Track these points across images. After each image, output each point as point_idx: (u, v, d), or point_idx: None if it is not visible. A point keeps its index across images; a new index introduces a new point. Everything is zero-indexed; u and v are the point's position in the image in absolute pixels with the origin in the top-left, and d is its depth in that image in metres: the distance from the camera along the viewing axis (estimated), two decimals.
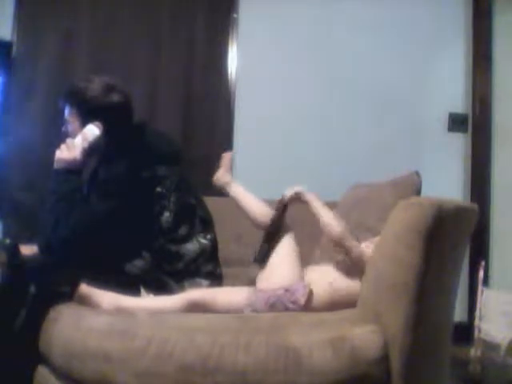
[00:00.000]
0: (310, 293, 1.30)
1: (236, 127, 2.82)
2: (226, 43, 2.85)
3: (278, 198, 2.29)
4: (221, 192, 1.69)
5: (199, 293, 1.38)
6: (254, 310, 1.30)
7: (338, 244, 1.37)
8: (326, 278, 1.38)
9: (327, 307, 1.29)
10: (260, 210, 1.59)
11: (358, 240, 1.39)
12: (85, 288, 1.33)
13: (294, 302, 1.27)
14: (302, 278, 1.39)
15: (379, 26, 2.96)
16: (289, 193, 1.51)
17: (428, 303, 1.07)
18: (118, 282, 1.41)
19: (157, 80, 2.75)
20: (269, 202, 2.15)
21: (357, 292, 1.25)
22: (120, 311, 1.29)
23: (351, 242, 1.35)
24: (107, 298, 1.33)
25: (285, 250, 1.46)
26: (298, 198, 1.51)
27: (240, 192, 1.64)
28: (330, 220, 1.40)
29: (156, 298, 1.41)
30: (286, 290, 1.29)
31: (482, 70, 3.01)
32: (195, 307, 1.32)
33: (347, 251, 1.35)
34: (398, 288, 1.05)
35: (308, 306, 1.28)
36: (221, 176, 1.67)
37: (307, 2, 2.91)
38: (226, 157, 1.72)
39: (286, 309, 1.27)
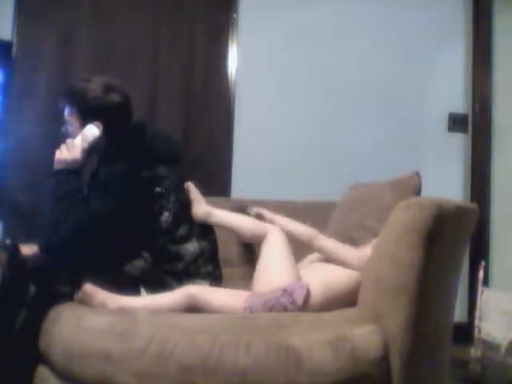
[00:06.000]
0: (308, 293, 1.30)
1: (236, 127, 2.82)
2: (226, 43, 2.85)
3: (277, 197, 2.31)
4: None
5: (198, 288, 1.39)
6: (253, 313, 1.30)
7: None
8: (323, 277, 1.39)
9: (325, 306, 1.29)
10: (245, 225, 1.58)
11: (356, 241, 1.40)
12: (90, 287, 1.33)
13: (292, 303, 1.27)
14: (298, 276, 1.39)
15: (379, 26, 2.97)
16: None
17: (428, 303, 1.07)
18: (118, 282, 1.41)
19: (157, 80, 2.75)
20: (268, 202, 2.15)
21: (355, 290, 1.25)
22: (121, 311, 1.29)
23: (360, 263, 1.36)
24: (112, 298, 1.33)
25: (278, 249, 1.45)
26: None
27: (221, 218, 1.63)
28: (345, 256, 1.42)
29: (156, 295, 1.41)
30: (284, 291, 1.29)
31: (482, 70, 3.01)
32: (194, 301, 1.32)
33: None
34: (398, 288, 1.05)
35: (306, 305, 1.28)
36: (197, 210, 1.63)
37: (307, 2, 2.91)
38: (189, 189, 1.66)
39: (285, 310, 1.27)
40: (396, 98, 2.96)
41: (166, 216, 1.56)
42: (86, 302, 1.32)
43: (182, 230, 1.59)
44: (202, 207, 1.63)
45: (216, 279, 1.61)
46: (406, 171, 1.72)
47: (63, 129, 1.66)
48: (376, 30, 2.96)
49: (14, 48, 2.62)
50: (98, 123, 1.58)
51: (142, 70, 2.74)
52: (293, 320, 1.17)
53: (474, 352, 2.22)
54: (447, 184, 2.93)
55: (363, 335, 1.05)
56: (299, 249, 1.57)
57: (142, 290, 1.48)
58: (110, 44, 2.72)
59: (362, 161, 2.86)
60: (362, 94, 2.93)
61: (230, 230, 1.63)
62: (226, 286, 1.57)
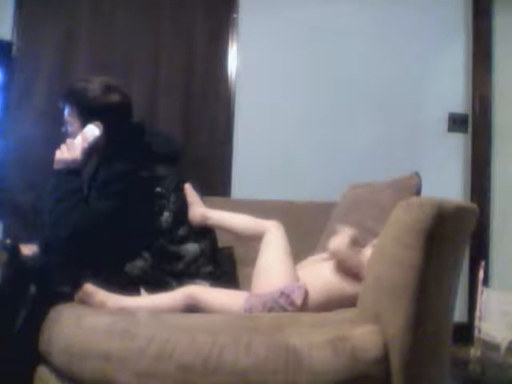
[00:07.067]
0: (306, 293, 1.30)
1: (236, 127, 2.82)
2: (226, 43, 2.85)
3: (277, 197, 2.31)
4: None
5: (198, 289, 1.38)
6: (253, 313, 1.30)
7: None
8: (321, 277, 1.38)
9: (324, 306, 1.29)
10: (243, 225, 1.57)
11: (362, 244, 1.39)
12: (90, 287, 1.33)
13: (290, 304, 1.27)
14: (296, 276, 1.39)
15: (379, 25, 2.97)
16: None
17: (428, 303, 1.07)
18: (119, 282, 1.41)
19: (157, 80, 2.76)
20: (268, 202, 2.15)
21: (354, 291, 1.25)
22: (121, 311, 1.29)
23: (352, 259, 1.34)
24: (112, 298, 1.33)
25: (276, 250, 1.45)
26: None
27: (219, 219, 1.61)
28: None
29: (156, 295, 1.41)
30: (282, 292, 1.29)
31: (482, 70, 3.01)
32: (193, 301, 1.31)
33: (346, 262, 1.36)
34: (398, 288, 1.05)
35: (305, 306, 1.28)
36: (194, 214, 1.60)
37: (307, 2, 2.91)
38: (187, 190, 1.63)
39: (284, 311, 1.27)
40: (396, 97, 2.96)
41: (166, 216, 1.56)
42: (86, 302, 1.32)
43: (182, 230, 1.59)
44: (199, 210, 1.61)
45: (217, 279, 1.61)
46: (406, 171, 1.72)
47: (63, 129, 1.66)
48: (376, 29, 2.96)
49: (14, 48, 2.62)
50: (98, 123, 1.58)
51: (141, 69, 2.75)
52: (293, 320, 1.17)
53: (474, 352, 2.22)
54: (447, 184, 2.93)
55: (363, 335, 1.05)
56: (300, 248, 1.57)
57: (142, 290, 1.48)
58: (110, 44, 2.72)
59: (361, 161, 2.86)
60: (361, 94, 2.93)
61: (229, 231, 1.62)
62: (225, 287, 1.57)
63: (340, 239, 1.37)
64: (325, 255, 1.57)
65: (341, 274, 1.37)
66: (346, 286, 1.33)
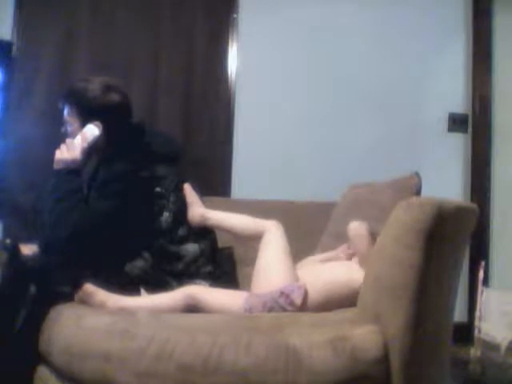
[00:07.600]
0: (306, 293, 1.30)
1: (236, 127, 2.82)
2: (226, 43, 2.85)
3: (277, 197, 2.31)
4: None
5: (198, 289, 1.38)
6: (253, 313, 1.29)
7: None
8: (321, 277, 1.38)
9: (323, 306, 1.29)
10: (243, 225, 1.57)
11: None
12: (90, 287, 1.33)
13: (290, 304, 1.27)
14: (296, 276, 1.39)
15: (379, 25, 2.97)
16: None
17: (428, 303, 1.07)
18: (119, 282, 1.41)
19: (157, 80, 2.76)
20: (268, 202, 2.15)
21: (354, 290, 1.25)
22: (121, 311, 1.29)
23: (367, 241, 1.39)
24: (112, 298, 1.33)
25: (275, 249, 1.45)
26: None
27: (219, 220, 1.60)
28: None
29: (156, 295, 1.41)
30: (282, 292, 1.29)
31: (482, 70, 3.01)
32: (193, 301, 1.31)
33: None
34: (398, 288, 1.05)
35: (305, 306, 1.28)
36: (193, 214, 1.59)
37: (307, 2, 2.91)
38: (186, 191, 1.62)
39: (284, 311, 1.27)
40: (396, 97, 2.96)
41: (166, 216, 1.56)
42: (86, 302, 1.32)
43: (182, 231, 1.59)
44: (198, 211, 1.60)
45: (217, 279, 1.61)
46: (406, 171, 1.72)
47: (63, 129, 1.66)
48: (376, 29, 2.96)
49: (14, 48, 2.62)
50: (97, 123, 1.58)
51: (142, 69, 2.75)
52: (293, 320, 1.17)
53: (474, 352, 2.22)
54: (447, 184, 2.93)
55: (363, 335, 1.05)
56: (300, 248, 1.57)
57: (142, 290, 1.48)
58: (110, 44, 2.72)
59: (361, 161, 2.86)
60: (362, 94, 2.93)
61: (229, 231, 1.62)
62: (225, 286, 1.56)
63: (360, 222, 1.41)
64: (324, 255, 1.57)
65: (344, 271, 1.38)
66: (350, 284, 1.33)
